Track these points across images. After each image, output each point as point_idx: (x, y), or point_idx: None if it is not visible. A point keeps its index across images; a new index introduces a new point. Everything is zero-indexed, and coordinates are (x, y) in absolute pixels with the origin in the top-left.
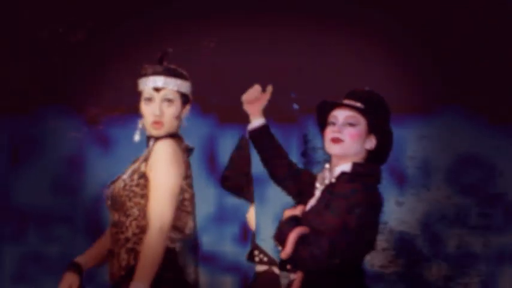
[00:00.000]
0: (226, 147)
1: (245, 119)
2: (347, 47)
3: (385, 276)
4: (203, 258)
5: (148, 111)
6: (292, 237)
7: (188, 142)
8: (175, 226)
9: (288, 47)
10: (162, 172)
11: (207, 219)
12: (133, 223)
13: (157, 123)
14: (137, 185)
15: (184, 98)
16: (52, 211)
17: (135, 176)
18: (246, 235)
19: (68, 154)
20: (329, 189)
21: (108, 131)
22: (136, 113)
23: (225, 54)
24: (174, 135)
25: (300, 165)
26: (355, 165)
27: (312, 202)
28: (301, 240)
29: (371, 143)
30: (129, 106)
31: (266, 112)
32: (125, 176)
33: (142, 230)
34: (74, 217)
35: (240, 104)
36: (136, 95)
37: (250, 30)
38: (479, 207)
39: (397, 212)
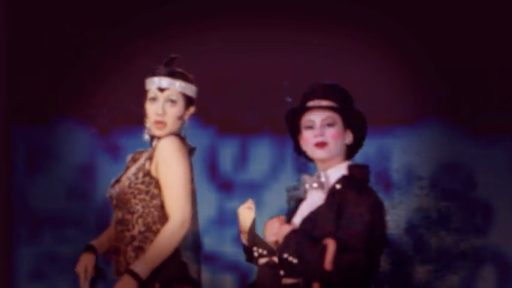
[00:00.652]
0: (226, 156)
1: (242, 130)
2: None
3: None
4: (205, 258)
5: (152, 110)
6: (332, 249)
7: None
8: None
9: (286, 56)
10: (173, 167)
11: (209, 222)
12: (139, 220)
13: (159, 122)
14: (142, 183)
15: (188, 100)
16: (65, 214)
17: (140, 174)
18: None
19: (80, 162)
20: (335, 196)
21: (117, 140)
22: (142, 123)
23: (225, 67)
24: (176, 135)
25: (295, 178)
26: (351, 168)
27: (310, 207)
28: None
29: (349, 137)
30: (138, 117)
31: (261, 123)
32: (129, 175)
33: (148, 228)
34: (86, 220)
35: (237, 116)
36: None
37: (248, 38)
38: (459, 211)
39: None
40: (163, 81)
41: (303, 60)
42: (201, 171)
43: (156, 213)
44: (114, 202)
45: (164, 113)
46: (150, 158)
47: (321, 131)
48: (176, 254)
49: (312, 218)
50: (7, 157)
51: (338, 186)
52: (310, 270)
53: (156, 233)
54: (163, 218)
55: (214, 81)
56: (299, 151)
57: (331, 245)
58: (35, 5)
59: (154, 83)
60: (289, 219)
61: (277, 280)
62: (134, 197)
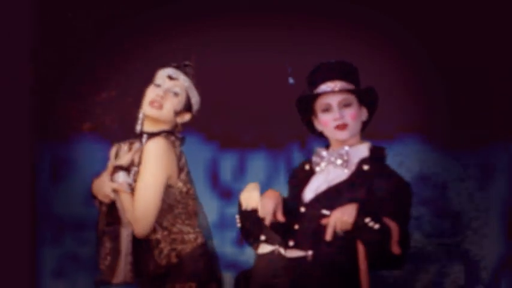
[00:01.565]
0: (226, 168)
1: (242, 144)
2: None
3: None
4: None
5: (153, 92)
6: (396, 233)
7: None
8: (189, 213)
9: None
10: (147, 175)
11: (211, 226)
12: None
13: (156, 102)
14: (133, 181)
15: (188, 104)
16: (84, 219)
17: (136, 178)
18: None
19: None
20: (361, 177)
21: None
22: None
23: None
24: (164, 137)
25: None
26: (372, 150)
27: (328, 182)
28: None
29: (364, 114)
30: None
31: (258, 139)
32: (128, 179)
33: (170, 231)
34: None
35: (236, 132)
36: None
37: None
38: (432, 217)
39: None
40: (174, 72)
41: (303, 60)
42: (204, 181)
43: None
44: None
45: (164, 97)
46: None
47: (340, 114)
48: (206, 251)
49: (331, 193)
50: (33, 168)
51: (366, 167)
52: (385, 239)
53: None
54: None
55: (215, 96)
56: (313, 131)
57: (395, 228)
58: (62, 30)
59: (165, 71)
60: (292, 189)
61: (275, 269)
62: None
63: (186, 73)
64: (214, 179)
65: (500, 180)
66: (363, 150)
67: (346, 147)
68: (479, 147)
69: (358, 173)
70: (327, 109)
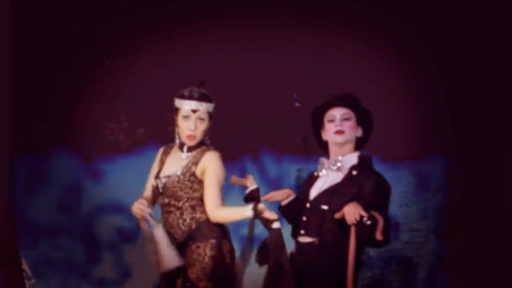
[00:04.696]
0: None
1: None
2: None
3: None
4: None
5: (185, 126)
6: (381, 223)
7: None
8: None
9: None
10: (214, 177)
11: None
12: (186, 204)
13: (191, 136)
14: (188, 180)
15: (210, 116)
16: (57, 225)
17: (187, 174)
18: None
19: (69, 184)
20: (351, 180)
21: (99, 166)
22: (120, 152)
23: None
24: (215, 150)
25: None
26: (360, 157)
27: (328, 183)
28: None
29: (359, 131)
30: (116, 147)
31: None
32: (178, 173)
33: (193, 208)
34: (74, 230)
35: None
36: (121, 134)
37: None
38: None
39: None
40: (196, 104)
41: (303, 60)
42: None
43: (196, 201)
44: (160, 191)
45: (195, 129)
46: (196, 163)
47: (340, 123)
48: (222, 228)
49: (329, 192)
50: (10, 179)
51: (354, 173)
52: (373, 229)
53: (200, 212)
54: (202, 205)
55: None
56: (320, 143)
57: (380, 220)
58: (36, 46)
59: (188, 105)
60: (302, 190)
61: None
62: (181, 190)
63: (202, 97)
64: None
65: (435, 189)
66: (353, 158)
67: (340, 157)
68: (416, 158)
69: (349, 176)
70: (332, 120)
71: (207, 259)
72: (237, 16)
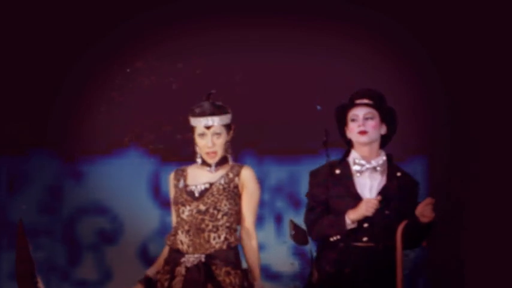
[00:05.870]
0: (167, 180)
1: (181, 158)
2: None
3: (284, 275)
4: (150, 260)
5: (202, 143)
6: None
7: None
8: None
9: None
10: (256, 195)
11: (153, 232)
12: (224, 217)
13: (210, 153)
14: (233, 191)
15: (228, 127)
16: (38, 226)
17: (232, 185)
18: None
19: (50, 184)
20: (395, 180)
21: (80, 167)
22: (100, 154)
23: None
24: (227, 157)
25: None
26: (388, 157)
27: (377, 186)
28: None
29: (383, 129)
30: (98, 148)
31: (194, 154)
32: (222, 182)
33: (231, 224)
34: (54, 230)
35: (177, 147)
36: (101, 137)
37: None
38: None
39: None
40: (209, 121)
41: (302, 60)
42: (147, 191)
43: (235, 215)
44: (197, 195)
45: (213, 145)
46: (238, 175)
47: (363, 123)
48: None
49: (383, 196)
50: None
51: (398, 174)
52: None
53: (234, 237)
54: (237, 221)
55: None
56: (345, 139)
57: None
58: (13, 46)
59: (201, 122)
60: (335, 191)
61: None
62: (227, 199)
63: (214, 111)
64: (156, 190)
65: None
66: (384, 158)
67: (380, 161)
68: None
69: (394, 178)
70: (354, 119)
71: None
72: (237, 16)
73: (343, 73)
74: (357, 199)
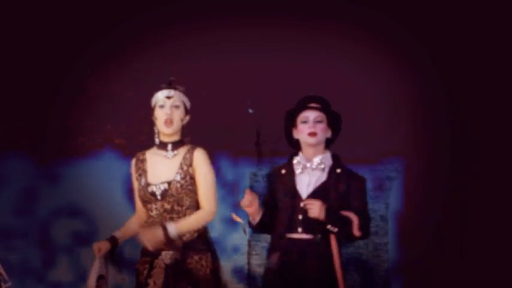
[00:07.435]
0: None
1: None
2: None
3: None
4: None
5: (162, 113)
6: (356, 221)
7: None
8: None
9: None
10: (209, 174)
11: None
12: (188, 211)
13: (168, 121)
14: (190, 184)
15: (185, 108)
16: (13, 228)
17: (188, 178)
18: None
19: (25, 186)
20: (334, 176)
21: (54, 169)
22: (76, 154)
23: None
24: (184, 141)
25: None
26: (334, 157)
27: (314, 183)
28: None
29: (329, 133)
30: (71, 150)
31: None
32: (178, 178)
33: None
34: (29, 233)
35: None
36: (73, 137)
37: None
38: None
39: None
40: (170, 92)
41: (302, 60)
42: (122, 193)
43: (196, 204)
44: (159, 197)
45: (172, 113)
46: (190, 165)
47: (313, 125)
48: (205, 232)
49: (320, 191)
50: None
51: (338, 171)
52: (348, 229)
53: None
54: (198, 207)
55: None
56: (290, 140)
57: (355, 218)
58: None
59: (163, 94)
60: (278, 188)
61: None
62: (187, 195)
63: (175, 87)
64: (131, 191)
65: (392, 192)
66: (329, 157)
67: (320, 157)
68: (374, 161)
69: (333, 175)
70: (305, 121)
71: (208, 271)
72: (237, 16)
73: (343, 73)
74: (295, 196)
